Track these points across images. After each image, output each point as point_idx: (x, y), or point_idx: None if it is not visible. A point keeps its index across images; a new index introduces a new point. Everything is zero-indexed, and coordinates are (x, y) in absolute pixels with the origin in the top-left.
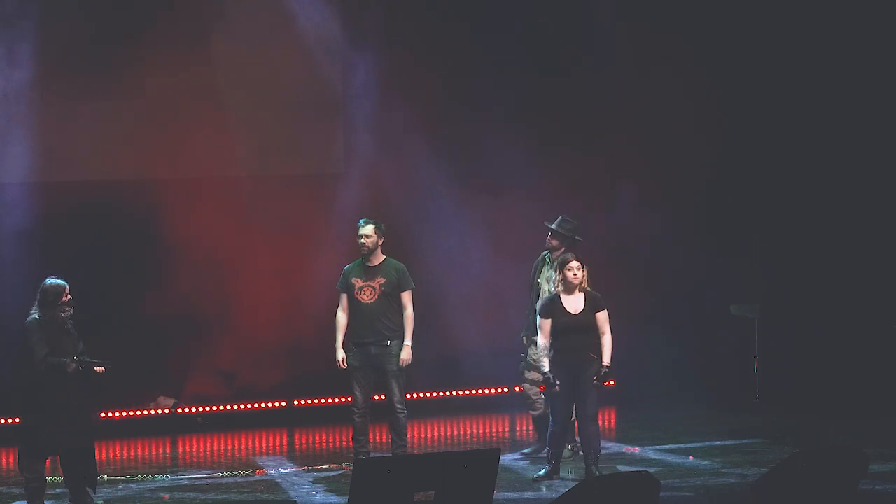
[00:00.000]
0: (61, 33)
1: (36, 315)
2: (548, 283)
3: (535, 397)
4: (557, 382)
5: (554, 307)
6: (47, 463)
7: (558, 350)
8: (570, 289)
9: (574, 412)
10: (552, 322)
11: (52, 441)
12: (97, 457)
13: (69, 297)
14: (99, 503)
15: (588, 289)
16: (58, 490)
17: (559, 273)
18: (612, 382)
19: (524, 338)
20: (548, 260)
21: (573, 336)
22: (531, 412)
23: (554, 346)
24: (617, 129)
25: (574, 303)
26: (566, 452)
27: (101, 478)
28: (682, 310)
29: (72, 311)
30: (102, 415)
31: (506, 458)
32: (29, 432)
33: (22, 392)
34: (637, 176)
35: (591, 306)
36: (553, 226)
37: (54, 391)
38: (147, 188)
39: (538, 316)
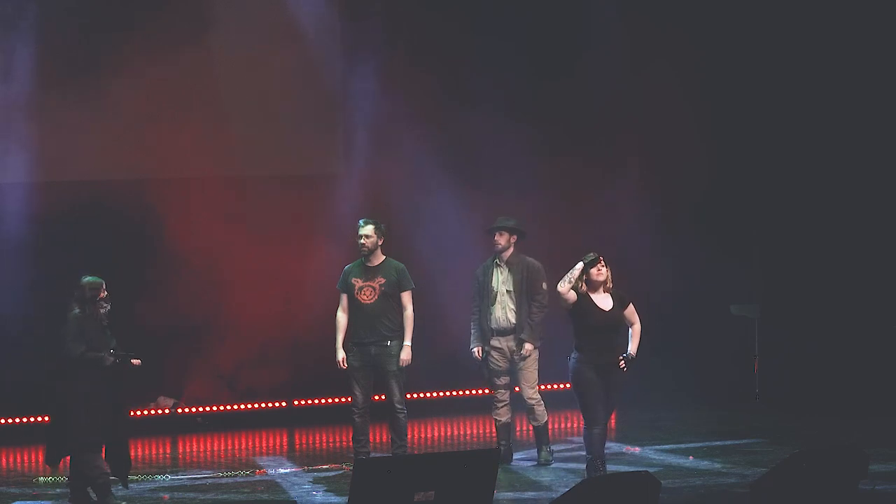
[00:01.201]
0: (58, 35)
1: (76, 311)
2: (504, 284)
3: (500, 404)
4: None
5: (584, 304)
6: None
7: (588, 350)
8: (594, 287)
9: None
10: (581, 321)
11: (101, 435)
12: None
13: (106, 293)
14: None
15: (612, 287)
16: (58, 490)
17: (583, 273)
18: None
19: (476, 350)
20: (497, 263)
21: (604, 335)
22: (496, 418)
23: (583, 346)
24: (617, 129)
25: (603, 301)
26: (544, 454)
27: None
28: (682, 310)
29: (109, 307)
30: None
31: None
32: (74, 428)
33: (66, 388)
34: (637, 175)
35: (619, 304)
36: (496, 224)
37: (96, 387)
38: (145, 189)
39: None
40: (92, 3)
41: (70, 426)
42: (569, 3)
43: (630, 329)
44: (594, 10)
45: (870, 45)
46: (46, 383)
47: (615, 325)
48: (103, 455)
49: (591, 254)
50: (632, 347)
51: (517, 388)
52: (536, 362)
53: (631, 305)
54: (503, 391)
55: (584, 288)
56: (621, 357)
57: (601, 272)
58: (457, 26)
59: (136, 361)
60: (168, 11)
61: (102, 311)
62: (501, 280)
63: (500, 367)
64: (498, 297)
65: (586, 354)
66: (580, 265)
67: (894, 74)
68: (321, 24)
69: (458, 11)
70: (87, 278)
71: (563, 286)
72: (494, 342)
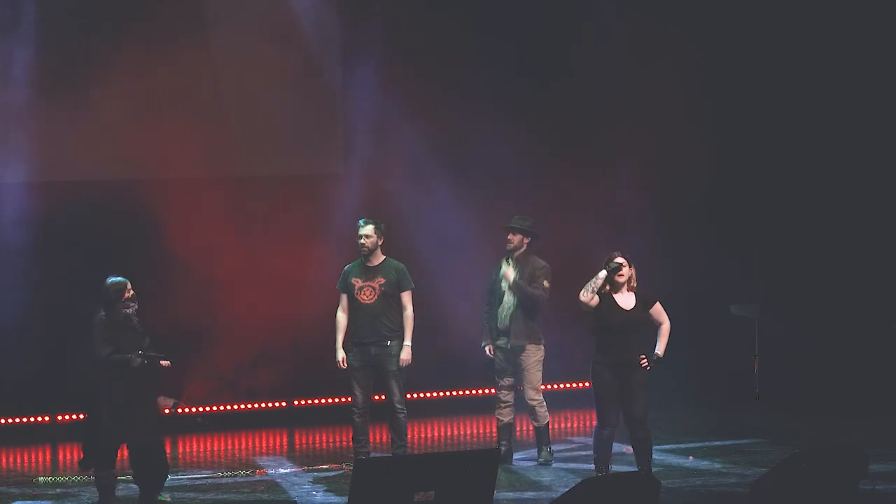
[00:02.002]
0: (57, 35)
1: (101, 314)
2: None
3: (504, 405)
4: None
5: (605, 303)
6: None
7: (606, 350)
8: (617, 286)
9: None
10: (602, 321)
11: (122, 438)
12: (165, 454)
13: (131, 293)
14: (166, 499)
15: (636, 286)
16: (58, 490)
17: (605, 282)
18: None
19: (486, 348)
20: (508, 262)
21: (622, 335)
22: (499, 417)
23: (601, 346)
24: (616, 129)
25: (626, 300)
26: (545, 454)
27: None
28: (682, 310)
29: (136, 307)
30: None
31: None
32: (100, 430)
33: (91, 390)
34: (637, 175)
35: (643, 303)
36: (510, 224)
37: (123, 388)
38: (145, 189)
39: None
40: (91, 4)
41: (108, 429)
42: (569, 4)
43: (659, 328)
44: (594, 10)
45: (869, 45)
46: (81, 387)
47: (634, 324)
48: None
49: (615, 262)
50: (659, 347)
51: (521, 388)
52: (540, 363)
53: (658, 304)
54: (507, 391)
55: (608, 287)
56: (643, 356)
57: (623, 273)
58: (457, 26)
59: (165, 363)
60: (167, 12)
61: (128, 311)
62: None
63: (504, 367)
64: (505, 297)
65: (605, 355)
66: (603, 273)
67: (894, 74)
68: (321, 24)
69: (458, 11)
70: (111, 279)
71: (586, 295)
72: (500, 342)
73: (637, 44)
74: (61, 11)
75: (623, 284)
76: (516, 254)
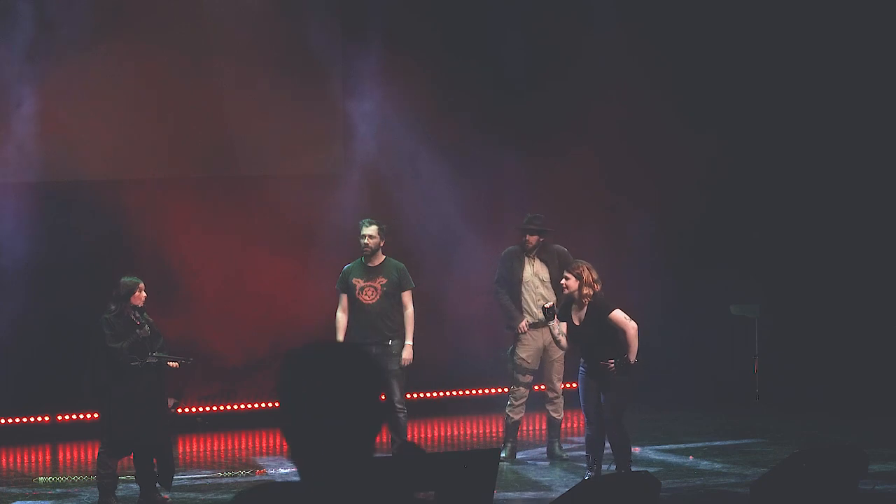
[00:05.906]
0: (55, 34)
1: (111, 308)
2: (537, 276)
3: (518, 402)
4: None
5: (567, 313)
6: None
7: (582, 356)
8: (576, 302)
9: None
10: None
11: (128, 437)
12: (173, 453)
13: (144, 295)
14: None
15: (591, 299)
16: (58, 490)
17: (555, 328)
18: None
19: (522, 324)
20: (528, 255)
21: (581, 346)
22: (510, 415)
23: (580, 352)
24: (616, 130)
25: (578, 315)
26: (559, 449)
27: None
28: (683, 310)
29: (142, 312)
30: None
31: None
32: (108, 428)
33: (101, 388)
34: (637, 174)
35: (595, 315)
36: (528, 225)
37: (129, 387)
38: (144, 188)
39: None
40: (89, 4)
41: (115, 427)
42: (566, 15)
43: (625, 337)
44: (594, 19)
45: (869, 45)
46: (92, 385)
47: (583, 337)
48: (132, 458)
49: (543, 310)
50: (629, 353)
51: (542, 387)
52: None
53: (615, 314)
54: (524, 389)
55: (574, 305)
56: (612, 360)
57: (567, 286)
58: (458, 26)
59: (173, 364)
60: (165, 11)
61: (133, 316)
62: (534, 272)
63: (527, 364)
64: (540, 290)
65: (583, 361)
66: (551, 324)
67: (892, 74)
68: (322, 24)
69: (460, 12)
70: (126, 278)
71: (565, 343)
72: (525, 338)
73: (636, 48)
74: (59, 12)
75: (578, 299)
76: (533, 252)
